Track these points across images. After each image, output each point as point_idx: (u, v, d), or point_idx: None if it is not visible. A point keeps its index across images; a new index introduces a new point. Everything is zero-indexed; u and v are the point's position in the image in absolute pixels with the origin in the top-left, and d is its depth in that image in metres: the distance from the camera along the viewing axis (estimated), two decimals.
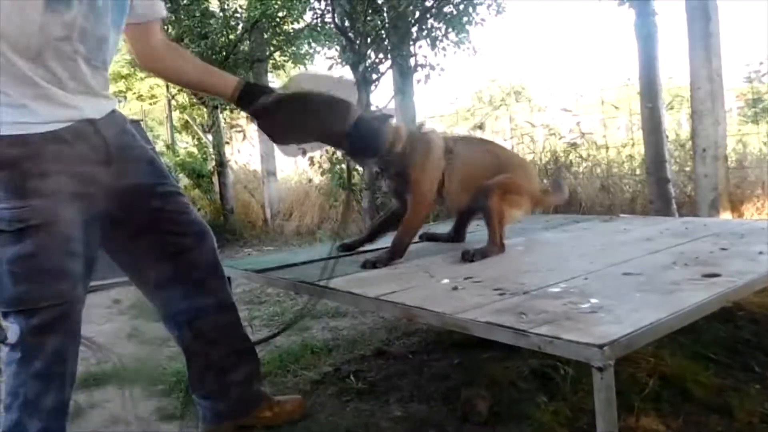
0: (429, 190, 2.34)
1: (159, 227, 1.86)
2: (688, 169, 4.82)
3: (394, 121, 2.32)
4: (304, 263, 2.34)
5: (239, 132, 10.52)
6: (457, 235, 2.72)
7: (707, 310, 1.55)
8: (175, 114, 9.00)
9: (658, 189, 4.38)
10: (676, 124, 7.22)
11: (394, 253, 2.30)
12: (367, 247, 2.56)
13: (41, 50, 1.52)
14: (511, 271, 2.01)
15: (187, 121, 8.59)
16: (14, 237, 1.53)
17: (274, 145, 2.18)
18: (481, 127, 6.75)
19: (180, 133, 9.08)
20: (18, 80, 1.51)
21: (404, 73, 6.31)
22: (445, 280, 1.92)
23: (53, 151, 1.56)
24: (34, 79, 1.52)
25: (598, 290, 1.68)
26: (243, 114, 10.02)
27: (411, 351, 2.72)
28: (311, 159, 6.61)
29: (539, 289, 1.74)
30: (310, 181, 7.58)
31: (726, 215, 4.19)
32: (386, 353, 2.70)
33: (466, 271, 2.05)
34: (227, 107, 8.10)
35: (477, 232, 2.70)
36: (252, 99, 1.94)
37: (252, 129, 8.75)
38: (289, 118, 1.94)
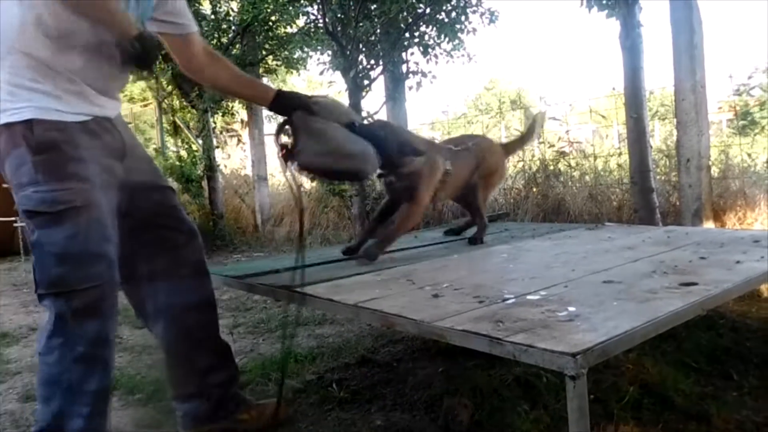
0: (427, 199, 2.59)
1: (156, 222, 1.92)
2: (673, 178, 4.85)
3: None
4: (286, 270, 2.33)
5: (233, 136, 10.51)
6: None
7: (682, 318, 1.57)
8: (167, 117, 8.98)
9: (643, 198, 4.40)
10: (667, 133, 7.28)
11: (384, 242, 2.50)
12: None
13: (92, 49, 1.64)
14: (493, 279, 2.02)
15: (178, 125, 8.57)
16: (55, 218, 1.58)
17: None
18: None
19: (171, 136, 9.05)
20: (59, 75, 1.60)
21: (396, 80, 6.34)
22: (427, 287, 1.93)
23: (85, 139, 1.64)
24: (72, 77, 1.62)
25: (577, 298, 1.69)
26: (236, 119, 10.08)
27: (396, 359, 2.72)
28: None
29: (519, 296, 1.75)
30: (300, 186, 7.56)
31: (709, 224, 4.22)
32: (371, 361, 2.70)
33: (448, 277, 2.06)
34: (219, 111, 8.09)
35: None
36: (285, 106, 2.09)
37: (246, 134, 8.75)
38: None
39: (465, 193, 2.88)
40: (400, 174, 2.46)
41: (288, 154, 2.07)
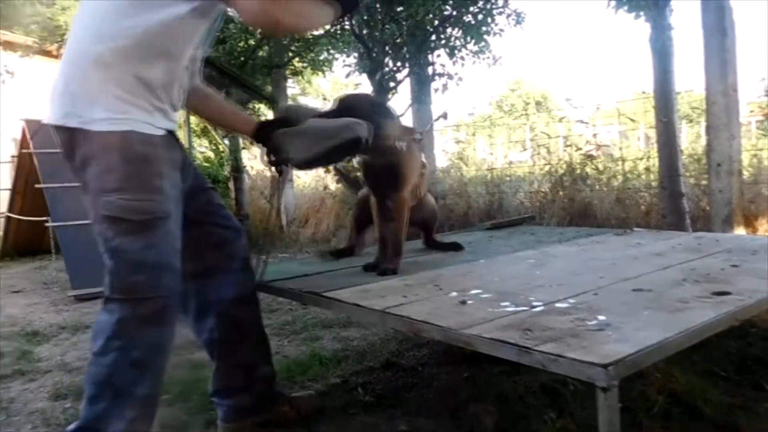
0: (409, 188, 2.46)
1: (206, 219, 2.01)
2: (703, 183, 4.77)
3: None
4: (310, 275, 2.35)
5: None
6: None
7: (715, 330, 1.54)
8: (195, 118, 9.07)
9: (672, 203, 4.34)
10: (695, 136, 7.17)
11: (398, 252, 2.42)
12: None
13: (183, 69, 1.76)
14: (520, 285, 2.01)
15: (206, 126, 8.65)
16: (137, 227, 1.66)
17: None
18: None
19: (199, 137, 9.14)
20: (153, 91, 1.68)
21: (422, 82, 6.33)
22: (453, 293, 1.92)
23: (164, 153, 1.72)
24: (162, 93, 1.71)
25: (607, 306, 1.67)
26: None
27: (421, 363, 2.72)
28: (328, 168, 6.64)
29: (547, 304, 1.74)
30: (326, 188, 7.60)
31: (740, 230, 4.15)
32: (395, 365, 2.70)
33: (474, 283, 2.05)
34: (245, 112, 8.15)
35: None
36: (267, 134, 2.07)
37: None
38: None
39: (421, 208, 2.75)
40: (382, 149, 2.22)
41: (282, 168, 2.12)
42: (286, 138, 2.03)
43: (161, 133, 1.72)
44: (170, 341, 1.79)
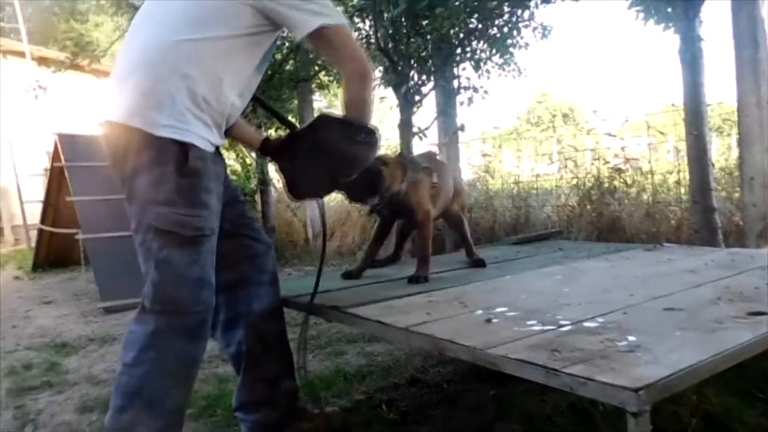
0: (428, 205, 2.57)
1: (240, 231, 2.03)
2: (736, 196, 4.67)
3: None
4: (333, 290, 2.34)
5: None
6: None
7: (751, 352, 1.49)
8: None
9: (704, 218, 4.25)
10: (726, 148, 7.02)
11: (426, 262, 2.49)
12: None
13: (242, 93, 1.80)
14: (547, 303, 1.97)
15: (234, 139, 8.73)
16: (186, 241, 1.69)
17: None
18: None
19: (228, 150, 9.22)
20: (216, 110, 1.73)
21: (447, 95, 6.31)
22: (479, 311, 1.89)
23: (212, 168, 1.75)
24: (223, 110, 1.75)
25: (637, 326, 1.63)
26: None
27: (446, 380, 2.69)
28: None
29: (575, 323, 1.70)
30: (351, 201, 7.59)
31: None
32: (420, 381, 2.67)
33: (500, 301, 2.02)
34: (273, 126, 8.20)
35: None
36: (270, 148, 2.14)
37: None
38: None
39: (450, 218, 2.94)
40: (393, 198, 2.41)
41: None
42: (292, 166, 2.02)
43: (211, 149, 1.74)
44: (202, 354, 1.82)
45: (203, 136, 1.69)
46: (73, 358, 3.51)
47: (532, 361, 1.38)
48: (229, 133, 1.97)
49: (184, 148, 1.65)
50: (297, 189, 2.04)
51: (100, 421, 2.45)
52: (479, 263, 2.82)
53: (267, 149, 2.17)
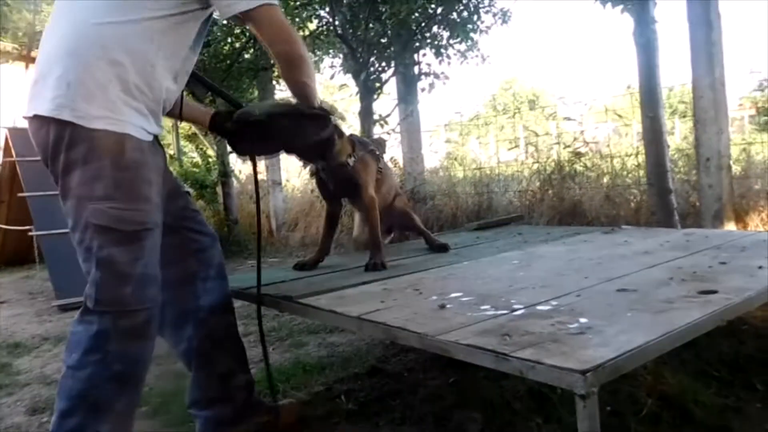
0: (373, 190, 2.54)
1: (183, 225, 1.95)
2: (693, 178, 4.73)
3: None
4: (288, 280, 2.30)
5: None
6: None
7: (700, 331, 1.49)
8: (186, 123, 8.95)
9: (660, 200, 4.29)
10: (688, 130, 7.13)
11: (379, 249, 2.47)
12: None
13: (176, 76, 1.71)
14: (502, 288, 1.95)
15: (194, 132, 8.58)
16: (127, 238, 1.60)
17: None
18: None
19: (191, 141, 9.07)
20: (149, 96, 1.64)
21: (408, 82, 6.27)
22: (433, 297, 1.86)
23: (152, 160, 1.67)
24: (157, 96, 1.66)
25: (589, 309, 1.62)
26: None
27: (407, 368, 2.66)
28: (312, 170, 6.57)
29: (528, 307, 1.68)
30: (312, 191, 7.53)
31: (731, 226, 4.10)
32: (381, 371, 2.64)
33: (456, 287, 2.00)
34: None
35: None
36: (222, 123, 2.02)
37: None
38: (263, 134, 1.95)
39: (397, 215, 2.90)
40: (334, 166, 2.41)
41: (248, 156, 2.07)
42: (240, 115, 1.94)
43: (149, 138, 1.66)
44: (150, 353, 1.73)
45: (139, 126, 1.61)
46: (26, 358, 3.40)
47: (482, 346, 1.35)
48: (179, 115, 1.92)
49: (119, 140, 1.57)
50: (243, 150, 2.03)
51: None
52: (443, 248, 2.82)
53: (217, 127, 2.07)
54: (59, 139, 1.56)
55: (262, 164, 9.02)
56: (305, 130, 1.95)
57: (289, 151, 2.15)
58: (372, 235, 2.51)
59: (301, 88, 1.86)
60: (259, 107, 1.97)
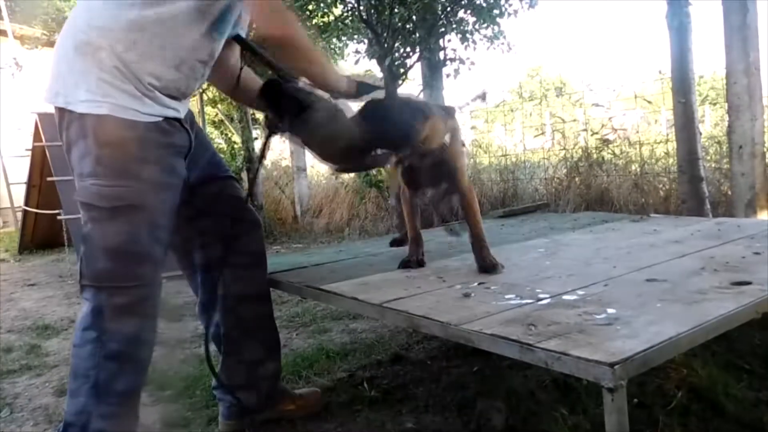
0: (468, 178, 2.22)
1: (217, 210, 1.95)
2: (725, 166, 4.61)
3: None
4: (311, 266, 2.28)
5: None
6: None
7: (734, 323, 1.44)
8: (213, 109, 8.97)
9: (691, 188, 4.19)
10: (718, 118, 6.97)
11: (485, 244, 2.09)
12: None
13: (181, 65, 1.68)
14: (528, 277, 1.92)
15: (221, 119, 8.61)
16: (109, 214, 1.61)
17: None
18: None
19: (218, 128, 9.10)
20: (141, 81, 1.62)
21: (433, 67, 6.21)
22: (458, 286, 1.84)
23: (155, 139, 1.66)
24: (153, 85, 1.64)
25: (618, 298, 1.58)
26: None
27: (430, 356, 2.65)
28: None
29: (554, 296, 1.65)
30: (336, 177, 7.53)
31: (763, 215, 3.99)
32: (404, 358, 2.62)
33: (481, 275, 1.97)
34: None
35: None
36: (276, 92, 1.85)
37: None
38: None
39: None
40: (422, 150, 1.97)
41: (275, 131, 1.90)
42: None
43: (151, 119, 1.65)
44: (152, 333, 1.73)
45: (129, 107, 1.61)
46: (54, 340, 3.46)
47: (506, 336, 1.33)
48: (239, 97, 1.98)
49: (101, 120, 1.58)
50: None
51: None
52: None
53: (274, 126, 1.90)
54: (61, 123, 1.63)
55: (287, 150, 9.04)
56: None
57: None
58: (476, 232, 2.10)
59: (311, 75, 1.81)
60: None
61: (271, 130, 1.89)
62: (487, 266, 2.02)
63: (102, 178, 1.59)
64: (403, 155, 1.97)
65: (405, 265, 2.17)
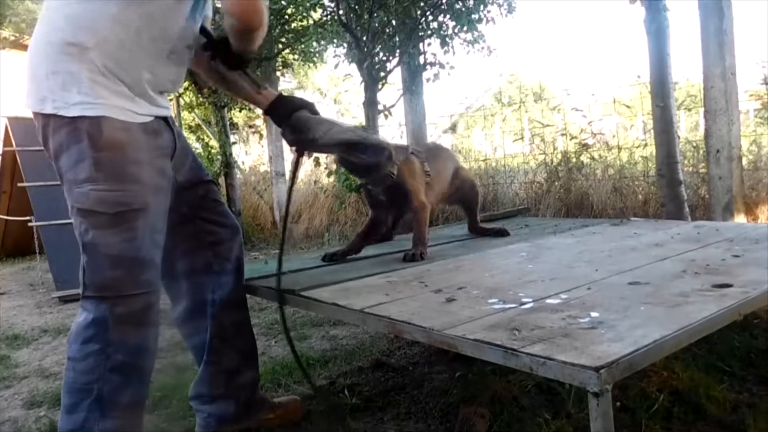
0: (423, 195, 2.48)
1: (200, 215, 1.91)
2: (702, 170, 4.66)
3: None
4: (291, 272, 2.24)
5: (255, 132, 10.42)
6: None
7: (717, 325, 1.43)
8: (190, 114, 8.86)
9: (670, 191, 4.21)
10: (693, 123, 7.04)
11: (422, 243, 2.39)
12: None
13: (171, 54, 1.65)
14: (510, 281, 1.89)
15: (198, 123, 8.52)
16: (112, 220, 1.55)
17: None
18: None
19: (195, 132, 9.01)
20: (134, 76, 1.58)
21: (413, 72, 6.20)
22: (439, 290, 1.81)
23: (145, 140, 1.61)
24: (146, 78, 1.61)
25: (601, 302, 1.56)
26: (259, 113, 10.02)
27: (412, 362, 2.62)
28: (317, 160, 6.53)
29: (537, 300, 1.63)
30: (315, 182, 7.49)
31: (740, 218, 4.03)
32: (385, 365, 2.59)
33: (462, 279, 1.94)
34: (237, 107, 7.99)
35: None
36: (283, 112, 1.94)
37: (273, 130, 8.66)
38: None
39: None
40: (382, 177, 2.30)
41: (302, 146, 2.00)
42: (312, 121, 1.93)
43: (144, 120, 1.61)
44: (154, 342, 1.67)
45: (122, 107, 1.56)
46: (24, 351, 3.37)
47: (490, 341, 1.30)
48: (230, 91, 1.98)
49: (97, 122, 1.52)
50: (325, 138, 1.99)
51: (48, 416, 2.34)
52: (502, 232, 2.87)
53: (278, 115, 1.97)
54: (46, 129, 1.56)
55: (265, 155, 8.97)
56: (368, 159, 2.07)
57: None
58: (419, 232, 2.42)
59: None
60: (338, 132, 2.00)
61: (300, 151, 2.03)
62: (410, 256, 2.32)
63: (102, 183, 1.53)
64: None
65: (330, 258, 2.45)
